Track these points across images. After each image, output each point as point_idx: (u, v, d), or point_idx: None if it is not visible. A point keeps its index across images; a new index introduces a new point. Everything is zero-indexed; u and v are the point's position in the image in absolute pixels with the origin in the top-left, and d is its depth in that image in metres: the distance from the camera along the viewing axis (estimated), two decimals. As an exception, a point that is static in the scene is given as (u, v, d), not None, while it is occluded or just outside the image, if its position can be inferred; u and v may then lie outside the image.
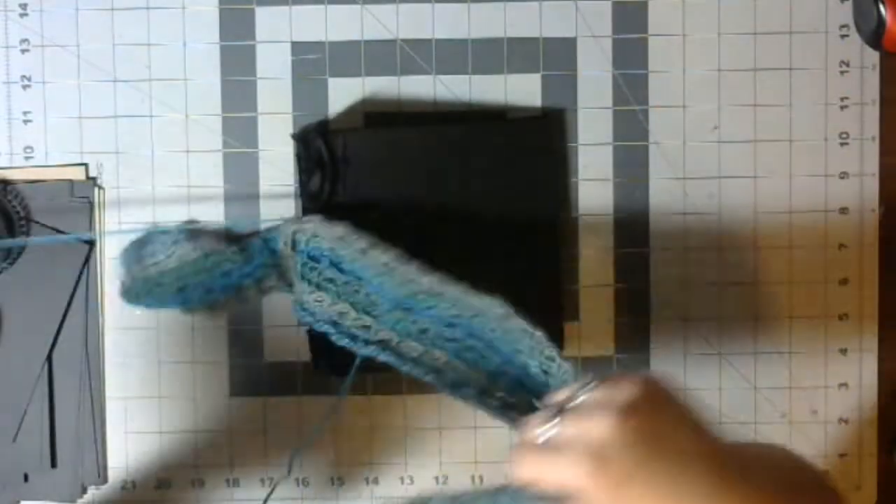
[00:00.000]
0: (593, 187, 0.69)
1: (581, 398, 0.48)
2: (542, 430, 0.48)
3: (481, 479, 0.70)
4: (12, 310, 0.68)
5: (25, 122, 0.68)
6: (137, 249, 0.62)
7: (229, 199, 0.69)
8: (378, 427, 0.70)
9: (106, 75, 0.68)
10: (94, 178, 0.68)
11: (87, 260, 0.68)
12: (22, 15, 0.68)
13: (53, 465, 0.69)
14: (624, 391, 0.46)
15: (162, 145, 0.69)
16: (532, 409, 0.54)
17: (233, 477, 0.70)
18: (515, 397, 0.59)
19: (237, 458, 0.69)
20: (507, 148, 0.67)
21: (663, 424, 0.46)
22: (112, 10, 0.68)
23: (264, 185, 0.69)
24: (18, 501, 0.69)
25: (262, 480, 0.70)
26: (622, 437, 0.44)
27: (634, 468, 0.44)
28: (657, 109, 0.69)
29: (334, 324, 0.61)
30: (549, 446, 0.47)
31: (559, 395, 0.51)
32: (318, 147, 0.66)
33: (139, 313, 0.68)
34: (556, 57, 0.69)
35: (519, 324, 0.59)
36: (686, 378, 0.69)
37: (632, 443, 0.44)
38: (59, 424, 0.68)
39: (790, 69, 0.69)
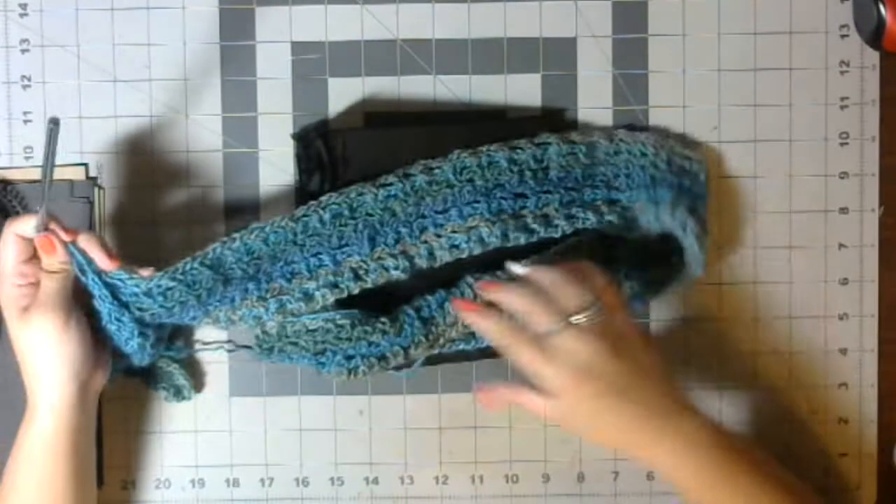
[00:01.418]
0: (593, 187, 0.69)
1: (584, 317, 0.59)
2: (546, 328, 0.59)
3: (481, 479, 0.70)
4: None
5: (25, 122, 0.68)
6: (275, 305, 0.63)
7: (229, 199, 0.69)
8: (378, 427, 0.70)
9: (106, 75, 0.68)
10: (94, 178, 0.68)
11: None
12: (22, 15, 0.68)
13: (53, 465, 0.69)
14: (618, 324, 0.60)
15: (162, 145, 0.69)
16: None
17: (233, 477, 0.70)
18: None
19: (238, 458, 0.69)
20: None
21: (641, 368, 0.60)
22: (112, 10, 0.68)
23: (264, 185, 0.69)
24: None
25: (263, 480, 0.70)
26: (610, 366, 0.58)
27: (611, 390, 0.58)
28: (657, 109, 0.69)
29: None
30: (547, 347, 0.58)
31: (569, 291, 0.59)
32: (318, 147, 0.66)
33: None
34: (556, 57, 0.69)
35: None
36: (686, 378, 0.69)
37: (616, 372, 0.58)
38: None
39: (790, 69, 0.69)
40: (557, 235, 0.64)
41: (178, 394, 0.68)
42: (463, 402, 0.70)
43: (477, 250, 0.63)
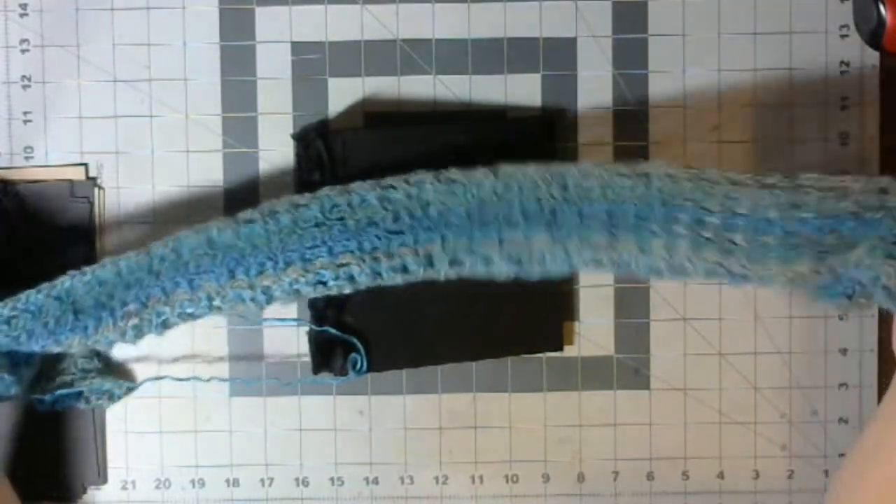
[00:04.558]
0: (593, 187, 0.69)
1: None
2: None
3: (481, 479, 0.70)
4: (12, 310, 0.68)
5: (25, 122, 0.68)
6: None
7: (229, 199, 0.69)
8: (378, 427, 0.70)
9: (106, 75, 0.68)
10: (94, 178, 0.68)
11: (87, 260, 0.68)
12: (22, 15, 0.68)
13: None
14: None
15: (162, 145, 0.69)
16: None
17: (233, 477, 0.70)
18: None
19: (238, 458, 0.70)
20: (507, 148, 0.67)
21: None
22: (112, 10, 0.68)
23: (264, 185, 0.69)
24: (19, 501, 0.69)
25: (262, 480, 0.70)
26: None
27: None
28: (657, 109, 0.69)
29: None
30: None
31: None
32: (318, 147, 0.66)
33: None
34: (556, 57, 0.69)
35: None
36: (686, 378, 0.70)
37: None
38: (59, 424, 0.68)
39: (790, 69, 0.69)
40: (441, 278, 0.61)
41: (112, 397, 0.67)
42: (463, 402, 0.70)
43: (347, 289, 0.61)
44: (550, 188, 0.61)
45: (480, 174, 0.62)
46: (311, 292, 0.62)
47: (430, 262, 0.61)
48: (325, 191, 0.62)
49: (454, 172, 0.62)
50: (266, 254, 0.61)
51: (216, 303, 0.61)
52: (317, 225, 0.61)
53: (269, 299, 0.61)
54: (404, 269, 0.61)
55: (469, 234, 0.61)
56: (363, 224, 0.61)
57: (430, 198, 0.61)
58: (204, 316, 0.62)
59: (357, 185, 0.62)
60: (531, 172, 0.61)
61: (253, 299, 0.61)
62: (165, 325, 0.62)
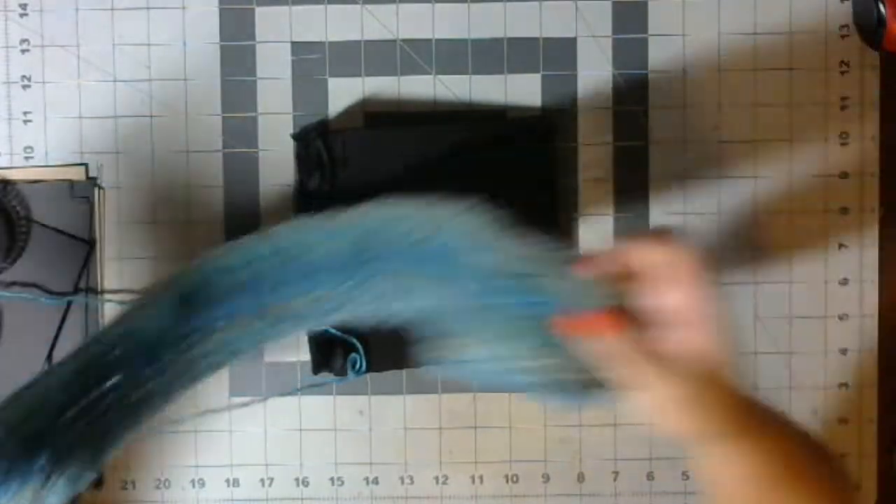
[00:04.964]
0: (593, 187, 0.69)
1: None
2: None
3: (481, 479, 0.70)
4: (12, 310, 0.68)
5: (25, 122, 0.68)
6: None
7: (229, 199, 0.69)
8: (378, 427, 0.70)
9: (106, 75, 0.68)
10: (94, 178, 0.68)
11: (86, 260, 0.68)
12: (22, 15, 0.68)
13: (53, 465, 0.69)
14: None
15: (162, 145, 0.69)
16: None
17: (233, 477, 0.70)
18: None
19: (238, 458, 0.70)
20: (507, 148, 0.67)
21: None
22: (112, 10, 0.68)
23: (264, 185, 0.69)
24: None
25: (262, 480, 0.70)
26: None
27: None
28: (657, 109, 0.69)
29: None
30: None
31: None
32: (318, 147, 0.66)
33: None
34: (556, 57, 0.69)
35: None
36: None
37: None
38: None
39: (790, 69, 0.69)
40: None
41: None
42: (463, 402, 0.70)
43: (252, 348, 0.57)
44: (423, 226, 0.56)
45: (355, 216, 0.57)
46: (213, 364, 0.57)
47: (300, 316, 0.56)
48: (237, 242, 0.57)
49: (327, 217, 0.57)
50: (170, 341, 0.55)
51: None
52: (216, 287, 0.56)
53: (168, 397, 0.56)
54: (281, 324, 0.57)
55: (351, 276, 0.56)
56: (253, 283, 0.56)
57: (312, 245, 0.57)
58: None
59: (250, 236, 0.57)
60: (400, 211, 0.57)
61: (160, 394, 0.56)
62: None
